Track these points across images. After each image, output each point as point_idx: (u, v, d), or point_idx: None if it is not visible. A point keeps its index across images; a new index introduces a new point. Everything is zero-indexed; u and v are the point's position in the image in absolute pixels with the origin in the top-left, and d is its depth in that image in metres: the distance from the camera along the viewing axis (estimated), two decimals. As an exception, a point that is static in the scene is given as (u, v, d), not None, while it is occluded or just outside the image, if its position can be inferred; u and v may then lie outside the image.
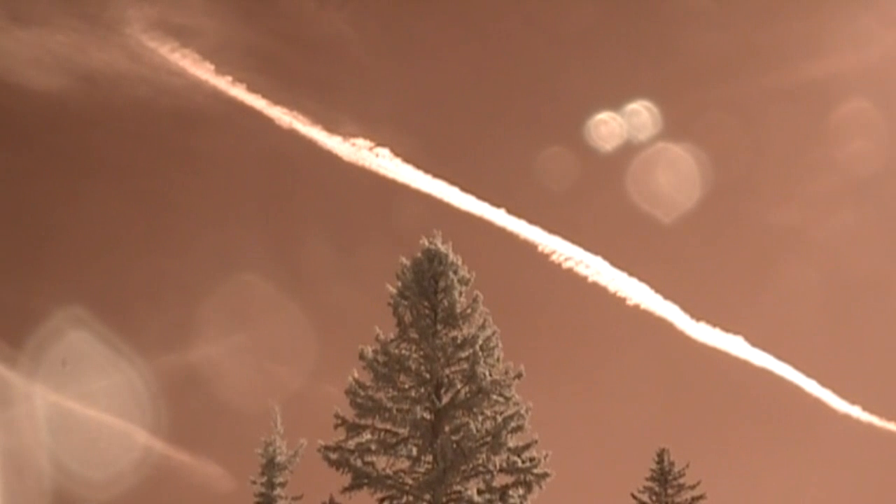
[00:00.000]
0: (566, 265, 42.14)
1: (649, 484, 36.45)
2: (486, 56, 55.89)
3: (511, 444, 28.35)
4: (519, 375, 29.01)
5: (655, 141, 47.05)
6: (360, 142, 42.64)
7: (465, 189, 41.87)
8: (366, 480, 28.36)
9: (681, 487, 36.17)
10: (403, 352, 29.29)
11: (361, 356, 29.16)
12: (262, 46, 50.37)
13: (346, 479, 28.46)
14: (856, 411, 43.28)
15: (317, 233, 51.85)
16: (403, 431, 28.74)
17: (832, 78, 50.65)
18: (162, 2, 46.12)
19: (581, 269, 42.12)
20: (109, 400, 35.98)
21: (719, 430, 50.29)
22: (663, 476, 36.33)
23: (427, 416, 28.64)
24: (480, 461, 28.20)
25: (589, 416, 49.00)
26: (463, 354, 28.99)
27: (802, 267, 52.57)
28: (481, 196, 41.87)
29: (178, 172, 53.81)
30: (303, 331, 42.61)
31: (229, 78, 43.38)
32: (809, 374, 43.24)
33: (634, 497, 36.51)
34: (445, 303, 29.49)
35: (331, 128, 43.36)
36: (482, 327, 29.23)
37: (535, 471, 28.31)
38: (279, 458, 33.44)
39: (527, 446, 28.54)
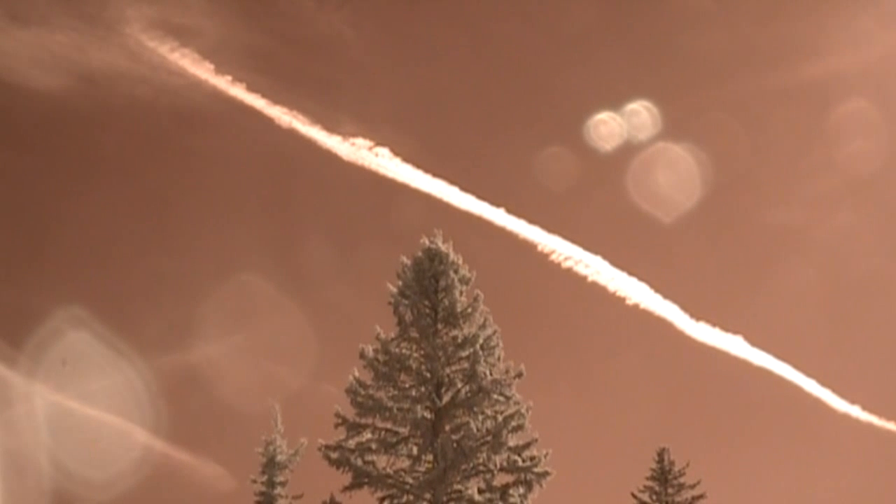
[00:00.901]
0: (566, 265, 42.18)
1: (649, 483, 36.42)
2: (485, 55, 56.02)
3: (511, 443, 28.34)
4: (519, 375, 29.00)
5: (655, 141, 47.16)
6: (360, 141, 42.72)
7: (464, 188, 41.96)
8: (366, 479, 28.35)
9: (681, 487, 36.15)
10: (404, 351, 29.29)
11: (362, 355, 29.16)
12: (261, 46, 50.48)
13: (347, 479, 28.49)
14: (855, 411, 43.36)
15: (317, 232, 51.93)
16: (404, 430, 28.74)
17: (832, 78, 50.80)
18: (161, 1, 46.23)
19: (581, 269, 42.17)
20: (109, 400, 36.02)
21: (719, 430, 50.41)
22: (663, 475, 36.31)
23: (427, 415, 28.65)
24: (481, 460, 28.19)
25: (589, 416, 49.08)
26: (463, 353, 28.98)
27: (802, 267, 52.73)
28: (481, 195, 41.96)
29: (178, 172, 53.94)
30: (303, 331, 42.70)
31: (229, 77, 43.47)
32: (809, 374, 43.34)
33: (634, 496, 36.50)
34: (446, 302, 29.49)
35: (330, 127, 43.44)
36: (483, 326, 29.23)
37: (536, 470, 28.31)
38: (279, 458, 33.48)
39: (527, 445, 28.54)
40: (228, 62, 44.72)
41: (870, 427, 43.19)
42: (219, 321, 42.75)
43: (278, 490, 33.48)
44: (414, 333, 29.34)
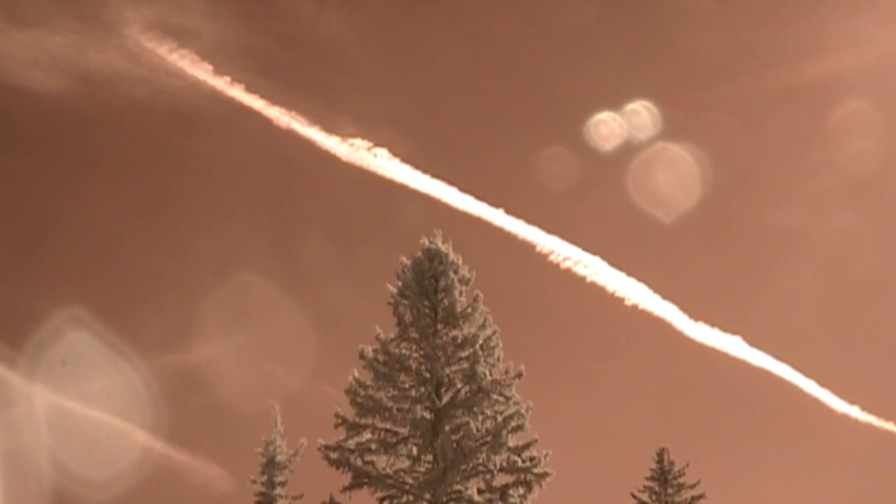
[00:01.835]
0: (565, 265, 42.19)
1: (649, 483, 36.39)
2: (484, 56, 55.99)
3: (511, 443, 28.35)
4: (519, 375, 29.02)
5: (655, 141, 47.14)
6: (359, 142, 42.74)
7: (463, 189, 41.94)
8: (366, 480, 28.37)
9: (680, 487, 36.12)
10: (404, 351, 29.31)
11: (361, 356, 29.17)
12: (260, 47, 50.51)
13: (347, 479, 28.49)
14: (854, 411, 43.35)
15: (316, 233, 51.97)
16: (404, 431, 28.76)
17: (832, 78, 50.78)
18: (160, 3, 46.26)
19: (580, 269, 42.18)
20: (109, 400, 36.02)
21: (718, 430, 50.36)
22: (663, 475, 36.29)
23: (427, 415, 28.66)
24: (480, 460, 28.20)
25: (589, 416, 49.07)
26: (463, 354, 29.01)
27: (801, 267, 52.74)
28: (480, 196, 41.94)
29: (177, 173, 53.94)
30: (303, 331, 42.70)
31: (227, 78, 43.49)
32: (808, 374, 43.32)
33: (634, 496, 36.48)
34: (446, 302, 29.51)
35: (329, 128, 43.47)
36: (482, 327, 29.24)
37: (536, 470, 28.33)
38: (279, 458, 33.44)
39: (527, 446, 28.55)
40: (227, 63, 44.83)
41: (869, 427, 43.23)
42: (219, 321, 42.81)
43: (278, 490, 33.44)
44: (414, 334, 29.36)
